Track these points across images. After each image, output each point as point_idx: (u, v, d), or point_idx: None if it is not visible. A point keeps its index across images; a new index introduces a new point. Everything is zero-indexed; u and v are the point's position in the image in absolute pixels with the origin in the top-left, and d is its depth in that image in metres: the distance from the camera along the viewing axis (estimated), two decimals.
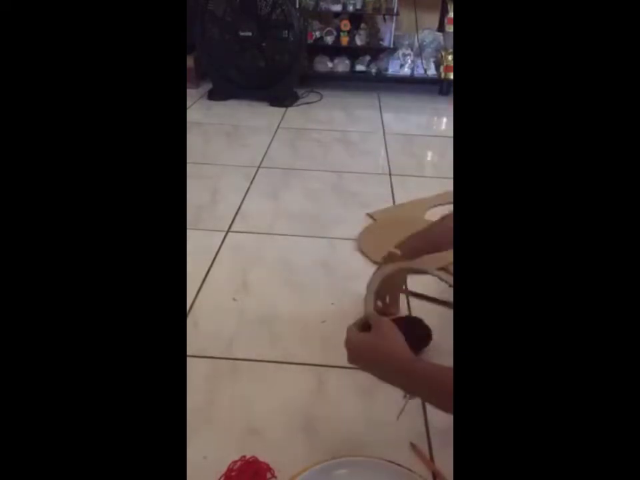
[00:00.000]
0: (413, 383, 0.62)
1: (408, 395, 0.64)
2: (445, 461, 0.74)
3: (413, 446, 0.76)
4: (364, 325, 0.70)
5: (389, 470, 0.70)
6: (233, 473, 0.70)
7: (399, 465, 0.70)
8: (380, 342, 0.65)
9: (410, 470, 0.70)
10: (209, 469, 0.71)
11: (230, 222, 1.43)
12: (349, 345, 0.68)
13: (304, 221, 1.46)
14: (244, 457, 0.72)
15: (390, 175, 1.80)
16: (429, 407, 0.84)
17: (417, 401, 0.84)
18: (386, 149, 2.07)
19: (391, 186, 1.70)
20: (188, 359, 0.92)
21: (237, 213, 1.48)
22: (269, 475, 0.70)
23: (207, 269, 1.20)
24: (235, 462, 0.71)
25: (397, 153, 2.02)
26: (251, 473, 0.69)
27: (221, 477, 0.70)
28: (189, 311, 1.06)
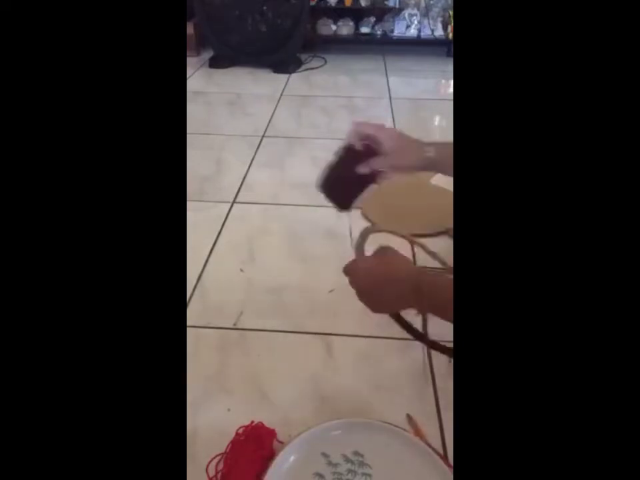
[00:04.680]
0: (420, 295, 0.60)
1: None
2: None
3: (409, 418, 0.77)
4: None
5: (382, 430, 0.72)
6: (242, 438, 0.71)
7: (393, 425, 0.72)
8: (385, 260, 0.65)
9: (404, 429, 0.72)
10: (218, 435, 0.73)
11: (235, 192, 1.42)
12: (351, 268, 0.66)
13: (309, 190, 1.43)
14: (252, 422, 0.74)
15: None
16: (438, 376, 0.84)
17: (426, 372, 0.85)
18: (392, 114, 2.02)
19: None
20: (197, 330, 0.93)
21: (242, 184, 1.47)
22: (275, 442, 0.72)
23: (213, 241, 1.20)
24: (243, 427, 0.73)
25: (403, 118, 1.97)
26: (256, 438, 0.71)
27: (229, 443, 0.71)
28: (197, 282, 1.06)
